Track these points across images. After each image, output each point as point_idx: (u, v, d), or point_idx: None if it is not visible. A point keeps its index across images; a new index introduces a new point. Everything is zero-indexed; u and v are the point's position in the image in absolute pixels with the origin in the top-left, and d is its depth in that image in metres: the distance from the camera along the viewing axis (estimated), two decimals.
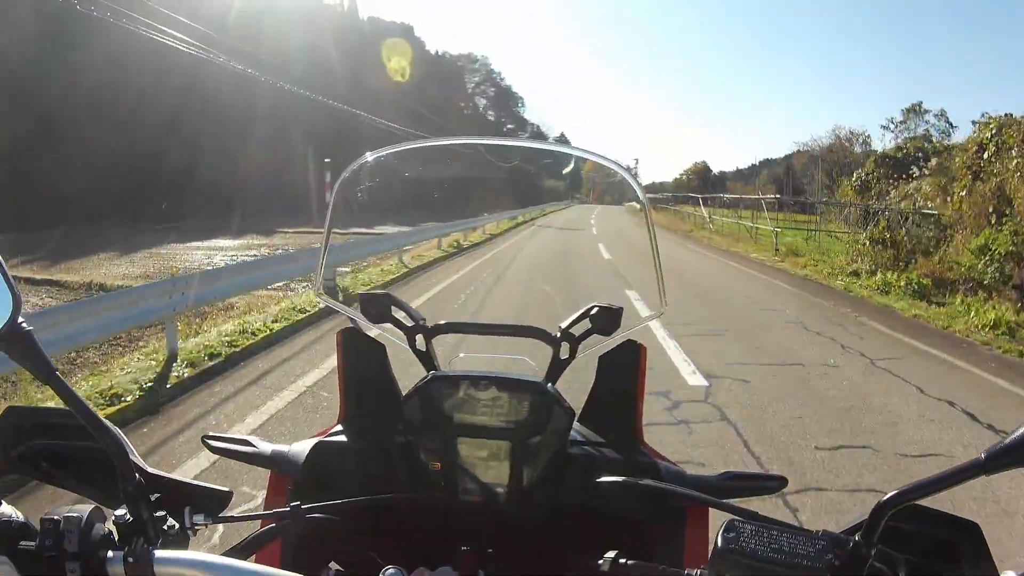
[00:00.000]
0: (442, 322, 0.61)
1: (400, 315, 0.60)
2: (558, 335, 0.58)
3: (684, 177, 51.70)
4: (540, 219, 23.17)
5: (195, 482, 0.46)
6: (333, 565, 0.51)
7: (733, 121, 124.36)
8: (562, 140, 49.12)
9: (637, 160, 57.46)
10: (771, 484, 0.53)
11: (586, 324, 0.58)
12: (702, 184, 45.42)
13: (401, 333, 0.60)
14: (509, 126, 55.96)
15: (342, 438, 0.59)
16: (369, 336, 0.61)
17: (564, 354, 0.58)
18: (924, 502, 0.36)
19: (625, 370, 0.59)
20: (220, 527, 0.55)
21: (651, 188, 56.08)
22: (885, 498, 0.36)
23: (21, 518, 0.40)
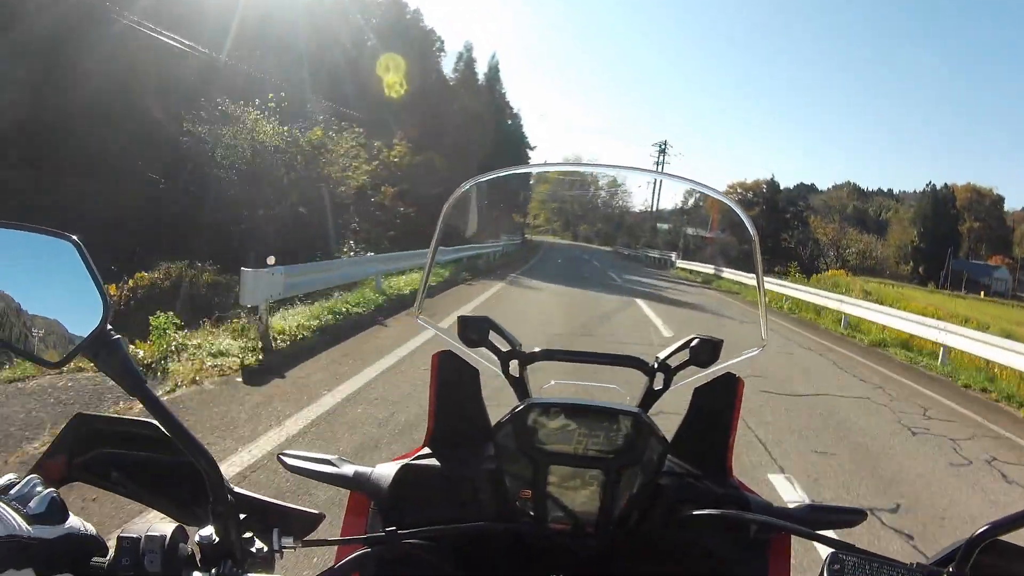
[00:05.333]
0: (538, 349, 0.80)
1: (496, 339, 0.78)
2: (655, 365, 0.77)
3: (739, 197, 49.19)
4: None
5: (283, 503, 0.59)
6: None
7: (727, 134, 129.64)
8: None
9: (664, 143, 54.07)
10: (853, 517, 0.72)
11: (683, 355, 0.78)
12: (771, 210, 44.10)
13: (495, 358, 0.78)
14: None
15: (429, 462, 0.76)
16: (464, 360, 0.78)
17: (658, 384, 0.77)
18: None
19: (721, 402, 0.77)
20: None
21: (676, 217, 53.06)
22: (979, 531, 0.52)
23: (91, 531, 0.50)
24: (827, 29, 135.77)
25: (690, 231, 44.33)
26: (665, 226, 50.37)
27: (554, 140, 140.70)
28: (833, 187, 60.55)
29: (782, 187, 49.77)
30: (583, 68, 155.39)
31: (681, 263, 27.37)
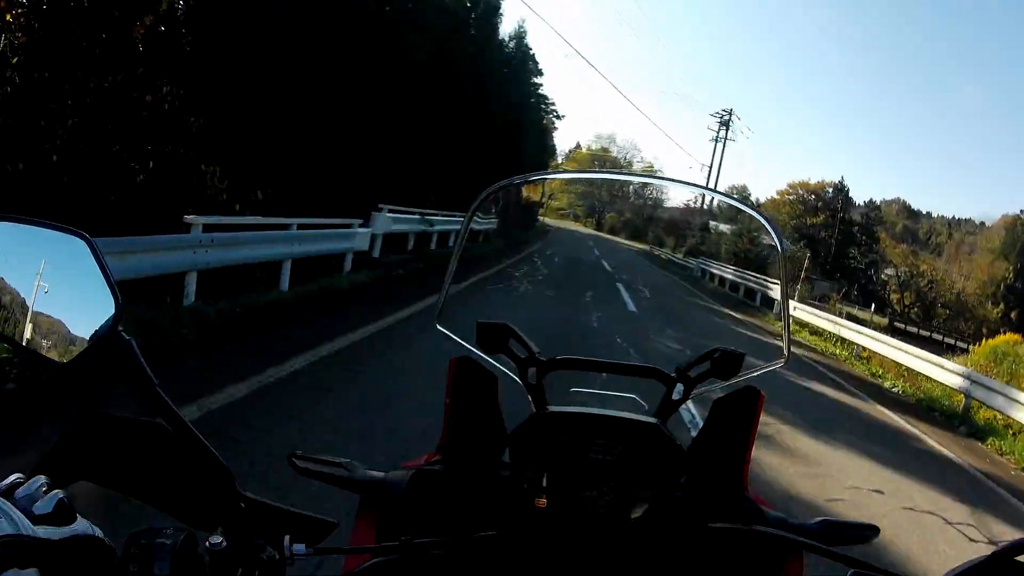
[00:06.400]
0: (557, 357, 0.91)
1: (515, 346, 0.89)
2: (675, 375, 0.90)
3: (790, 202, 46.60)
4: None
5: (296, 510, 0.69)
6: None
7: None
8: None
9: (729, 114, 49.78)
10: (867, 533, 0.88)
11: (703, 367, 0.89)
12: (833, 219, 43.49)
13: (513, 365, 0.89)
14: None
15: (443, 468, 0.89)
16: (481, 367, 0.91)
17: (677, 395, 0.89)
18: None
19: (739, 415, 0.91)
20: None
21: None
22: (997, 550, 0.65)
23: (99, 534, 0.56)
24: (894, 42, 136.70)
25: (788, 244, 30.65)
26: (725, 228, 41.37)
27: (582, 99, 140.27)
28: (882, 202, 59.88)
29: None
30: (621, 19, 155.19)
31: (802, 307, 16.69)
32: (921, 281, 25.53)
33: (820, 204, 45.69)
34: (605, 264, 23.31)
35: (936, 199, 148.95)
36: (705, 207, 49.29)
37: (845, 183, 46.88)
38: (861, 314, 23.63)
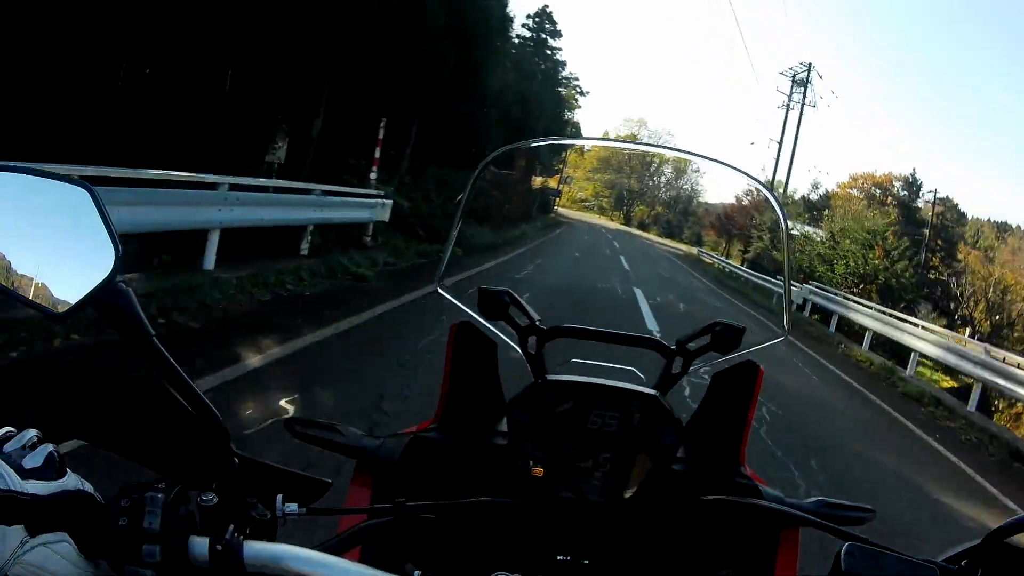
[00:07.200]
0: (558, 326, 0.99)
1: (515, 314, 0.97)
2: (675, 348, 0.98)
3: (858, 193, 45.49)
4: None
5: (289, 469, 0.76)
6: (411, 567, 0.81)
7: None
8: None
9: (808, 69, 41.72)
10: (863, 515, 0.98)
11: (703, 340, 0.97)
12: (910, 220, 42.26)
13: (513, 333, 0.98)
14: None
15: (440, 435, 1.01)
16: (482, 333, 1.02)
17: (676, 368, 0.97)
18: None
19: (739, 390, 1.02)
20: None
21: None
22: (994, 530, 0.74)
23: (89, 490, 0.61)
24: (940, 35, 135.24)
25: None
26: (810, 229, 31.58)
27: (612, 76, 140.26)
28: (924, 202, 57.22)
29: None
30: None
31: None
32: (1005, 295, 24.57)
33: (888, 200, 44.80)
34: (644, 310, 12.42)
35: (971, 200, 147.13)
36: (764, 199, 41.73)
37: (917, 177, 45.46)
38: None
